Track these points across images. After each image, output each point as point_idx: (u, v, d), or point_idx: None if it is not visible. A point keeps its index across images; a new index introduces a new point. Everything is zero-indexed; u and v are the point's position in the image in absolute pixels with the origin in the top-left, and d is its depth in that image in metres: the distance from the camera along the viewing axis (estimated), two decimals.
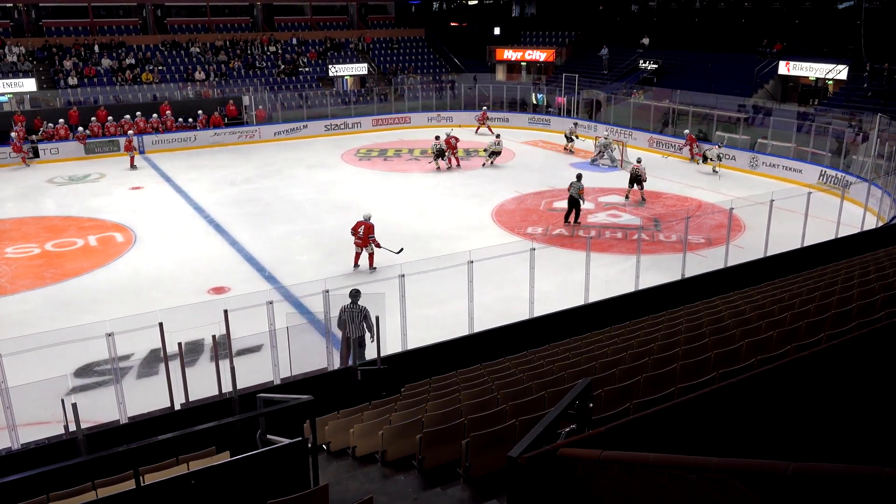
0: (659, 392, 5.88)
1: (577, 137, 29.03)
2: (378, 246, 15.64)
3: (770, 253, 14.19)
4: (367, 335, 10.54)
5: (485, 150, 27.02)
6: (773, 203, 14.31)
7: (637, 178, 20.91)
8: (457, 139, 26.39)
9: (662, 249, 16.77)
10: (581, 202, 18.80)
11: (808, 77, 30.64)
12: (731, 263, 13.79)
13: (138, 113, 30.34)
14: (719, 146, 25.42)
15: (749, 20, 35.32)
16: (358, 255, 15.69)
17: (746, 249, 15.33)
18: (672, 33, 37.23)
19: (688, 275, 13.31)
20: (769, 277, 11.90)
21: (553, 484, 2.96)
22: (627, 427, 3.23)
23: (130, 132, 28.58)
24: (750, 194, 19.99)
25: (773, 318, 7.99)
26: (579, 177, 19.35)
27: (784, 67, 30.70)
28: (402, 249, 15.63)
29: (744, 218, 17.74)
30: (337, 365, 10.17)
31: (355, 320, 10.62)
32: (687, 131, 27.93)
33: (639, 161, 21.49)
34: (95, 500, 5.10)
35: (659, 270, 14.32)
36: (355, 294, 10.84)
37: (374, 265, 15.62)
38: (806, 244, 14.61)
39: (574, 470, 2.86)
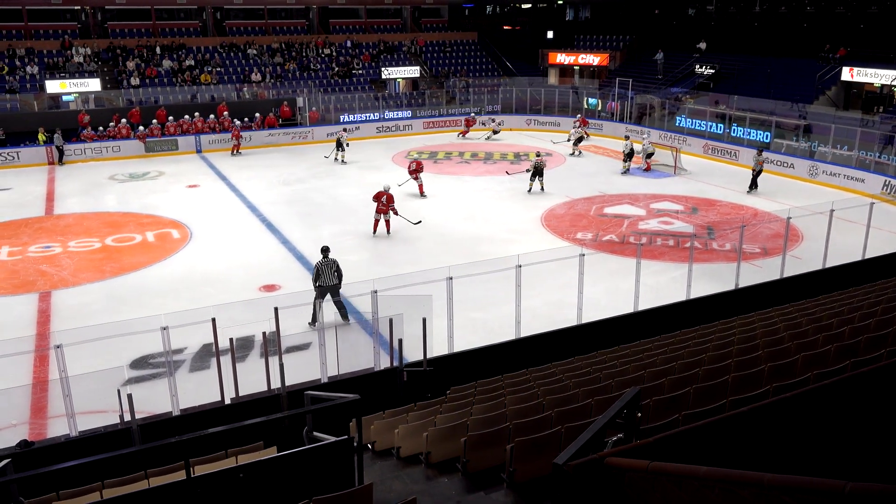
0: (709, 404, 5.76)
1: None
2: (396, 214, 18.01)
3: (829, 265, 13.76)
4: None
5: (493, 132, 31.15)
6: (833, 213, 13.88)
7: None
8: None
9: (715, 258, 16.43)
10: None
11: (873, 84, 29.64)
12: (787, 274, 13.42)
13: (196, 113, 31.12)
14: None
15: (811, 25, 34.36)
16: (377, 223, 18.05)
17: (804, 260, 14.91)
18: (730, 38, 36.44)
19: (742, 285, 13.00)
20: (828, 290, 11.54)
21: (599, 493, 2.93)
22: (676, 438, 3.18)
23: (237, 122, 30.54)
24: (809, 203, 19.43)
25: (831, 331, 7.75)
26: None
27: (847, 73, 29.76)
28: (419, 222, 18.38)
29: (802, 228, 17.25)
30: (384, 365, 10.24)
31: (327, 271, 12.80)
32: (580, 115, 31.10)
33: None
34: (147, 488, 5.24)
35: (711, 280, 14.03)
36: (326, 249, 13.10)
37: (390, 231, 18.00)
38: (867, 256, 14.13)
39: (621, 480, 2.82)
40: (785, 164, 25.35)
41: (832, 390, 3.61)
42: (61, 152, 27.93)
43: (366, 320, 11.75)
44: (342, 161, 27.51)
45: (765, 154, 23.29)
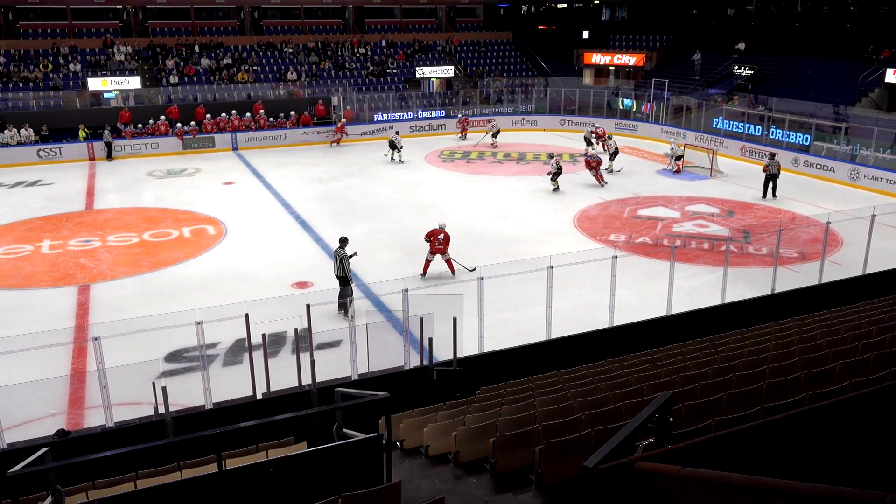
0: (743, 410, 5.67)
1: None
2: (447, 260, 15.33)
3: (869, 271, 13.45)
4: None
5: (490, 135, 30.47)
6: (874, 217, 13.55)
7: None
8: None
9: (751, 262, 16.16)
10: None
11: None
12: (825, 280, 13.15)
13: (233, 111, 31.55)
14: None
15: (855, 25, 33.60)
16: (428, 264, 15.26)
17: (843, 266, 14.60)
18: (770, 38, 35.80)
19: (778, 290, 12.77)
20: (867, 297, 11.28)
21: (629, 498, 2.90)
22: (709, 444, 3.13)
23: (343, 119, 31.83)
24: (849, 208, 19.01)
25: (871, 339, 7.58)
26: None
27: (892, 75, 29.02)
28: (475, 268, 14.57)
29: (841, 232, 16.89)
30: (414, 364, 10.27)
31: (335, 262, 13.32)
32: (461, 114, 31.44)
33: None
34: (180, 480, 5.32)
35: (747, 284, 13.81)
36: (344, 240, 13.49)
37: (455, 272, 15.30)
38: None
39: (651, 485, 2.79)
40: (825, 168, 24.83)
41: (871, 399, 3.52)
42: (110, 148, 28.56)
43: (396, 319, 11.78)
44: (399, 161, 27.72)
45: (777, 158, 22.43)
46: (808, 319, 10.09)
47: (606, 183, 23.31)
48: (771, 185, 21.80)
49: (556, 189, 22.63)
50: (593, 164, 23.27)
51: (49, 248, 17.61)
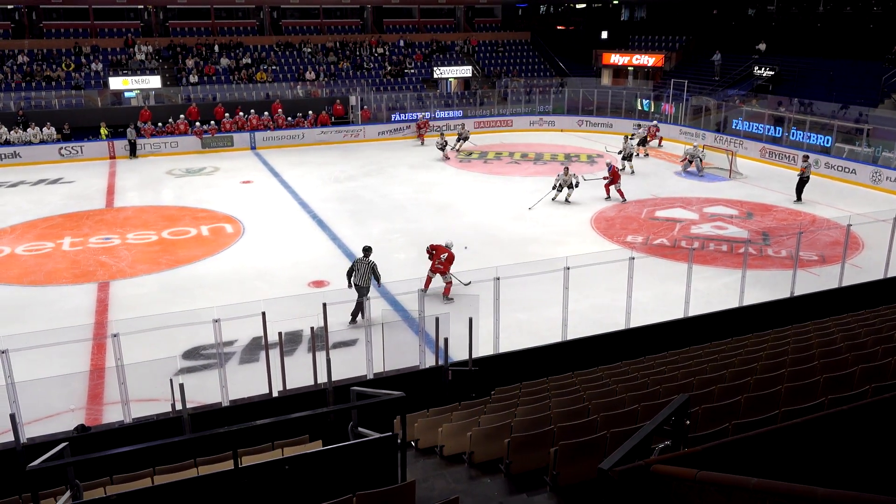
0: (761, 414, 5.61)
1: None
2: (445, 279, 14.17)
3: (891, 274, 13.27)
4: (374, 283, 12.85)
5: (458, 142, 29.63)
6: None
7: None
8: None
9: (770, 265, 16.01)
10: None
11: None
12: (846, 283, 12.99)
13: (252, 110, 31.74)
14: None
15: (878, 26, 33.17)
16: (429, 280, 14.04)
17: (864, 269, 14.42)
18: (791, 39, 35.43)
19: (797, 293, 12.63)
20: (889, 300, 11.14)
21: (644, 500, 2.88)
22: (726, 448, 3.11)
23: (426, 116, 32.73)
24: (871, 210, 18.77)
25: (892, 343, 7.48)
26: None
27: None
28: (469, 283, 13.84)
29: (863, 235, 16.68)
30: (429, 364, 10.27)
31: (361, 271, 12.69)
32: (421, 116, 31.08)
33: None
34: (196, 476, 5.36)
35: (766, 287, 13.68)
36: (367, 249, 12.99)
37: (451, 295, 14.01)
38: None
39: (667, 488, 2.77)
40: (847, 170, 24.54)
41: (891, 405, 3.48)
42: (133, 146, 28.87)
43: (412, 318, 11.79)
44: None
45: (811, 159, 22.26)
46: (828, 323, 9.97)
47: (625, 199, 21.66)
48: (800, 188, 21.70)
49: (567, 200, 21.21)
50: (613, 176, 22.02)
51: (70, 246, 17.82)
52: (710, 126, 31.41)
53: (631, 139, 27.23)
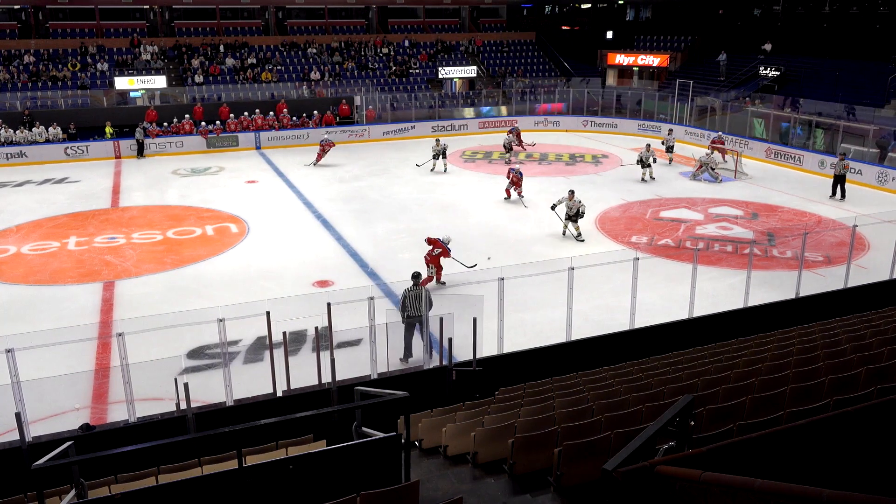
0: (766, 415, 5.60)
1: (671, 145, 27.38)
2: (439, 278, 14.37)
3: None
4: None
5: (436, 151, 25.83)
6: None
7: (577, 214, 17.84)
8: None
9: (776, 266, 15.96)
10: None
11: None
12: (851, 284, 12.95)
13: (257, 110, 31.79)
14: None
15: (885, 26, 33.06)
16: (429, 279, 14.11)
17: (870, 270, 14.37)
18: (797, 39, 35.34)
19: (803, 294, 12.60)
20: (894, 302, 11.10)
21: (648, 501, 2.88)
22: (730, 449, 3.10)
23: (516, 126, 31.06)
24: (877, 211, 18.71)
25: None
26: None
27: None
28: (475, 265, 14.15)
29: (868, 236, 16.62)
30: (434, 364, 10.28)
31: (414, 302, 11.16)
32: (325, 137, 27.29)
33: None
34: (201, 475, 5.37)
35: (771, 287, 13.64)
36: (417, 276, 11.51)
37: (443, 279, 14.47)
38: None
39: (671, 489, 2.76)
40: (853, 171, 24.40)
41: None
42: (141, 146, 28.96)
43: None
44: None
45: (846, 160, 22.33)
46: (833, 324, 9.94)
47: (526, 205, 20.70)
48: (840, 186, 21.88)
49: (578, 236, 17.91)
50: (514, 180, 21.17)
51: (75, 245, 17.87)
52: (716, 126, 31.30)
53: (667, 138, 27.40)
